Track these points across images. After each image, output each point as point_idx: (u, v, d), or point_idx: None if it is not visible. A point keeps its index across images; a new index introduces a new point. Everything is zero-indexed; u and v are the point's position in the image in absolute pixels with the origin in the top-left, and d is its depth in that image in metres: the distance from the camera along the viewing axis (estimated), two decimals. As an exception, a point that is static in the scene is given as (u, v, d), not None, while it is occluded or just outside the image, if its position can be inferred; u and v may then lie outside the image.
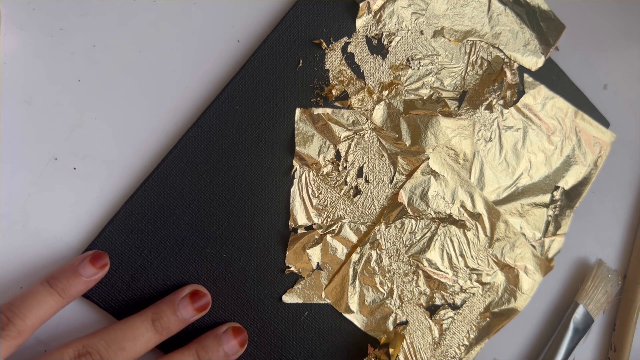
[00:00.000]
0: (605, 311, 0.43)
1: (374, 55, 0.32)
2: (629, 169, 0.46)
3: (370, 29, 0.32)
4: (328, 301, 0.30)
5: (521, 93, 0.38)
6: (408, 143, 0.33)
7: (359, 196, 0.31)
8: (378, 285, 0.32)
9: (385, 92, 0.32)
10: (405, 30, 0.33)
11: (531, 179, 0.38)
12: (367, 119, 0.32)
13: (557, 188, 0.39)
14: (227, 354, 0.26)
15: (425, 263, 0.33)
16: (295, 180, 0.30)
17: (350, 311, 0.31)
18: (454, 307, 0.34)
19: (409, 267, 0.33)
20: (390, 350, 0.31)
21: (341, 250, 0.31)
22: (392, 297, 0.32)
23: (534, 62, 0.38)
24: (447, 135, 0.34)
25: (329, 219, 0.31)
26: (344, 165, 0.31)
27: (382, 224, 0.32)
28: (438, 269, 0.34)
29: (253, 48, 0.29)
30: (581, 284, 0.42)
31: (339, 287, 0.31)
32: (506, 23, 0.37)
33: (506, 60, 0.37)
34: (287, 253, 0.29)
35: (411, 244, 0.33)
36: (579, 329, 0.40)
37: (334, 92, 0.31)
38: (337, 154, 0.31)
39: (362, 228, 0.32)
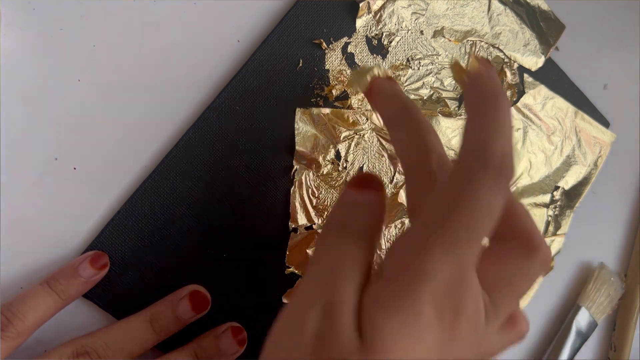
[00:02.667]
0: (608, 314, 0.43)
1: (374, 55, 0.32)
2: (629, 169, 0.46)
3: (370, 29, 0.32)
4: (328, 301, 0.30)
5: (521, 93, 0.38)
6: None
7: (359, 196, 0.31)
8: (378, 286, 0.32)
9: (385, 92, 0.32)
10: (405, 30, 0.33)
11: (531, 179, 0.38)
12: (367, 119, 0.32)
13: (557, 188, 0.39)
14: (226, 354, 0.26)
15: (425, 263, 0.33)
16: (295, 180, 0.30)
17: (350, 311, 0.31)
18: (454, 307, 0.34)
19: (409, 267, 0.33)
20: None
21: (341, 251, 0.31)
22: (392, 297, 0.32)
23: (534, 62, 0.38)
24: (447, 135, 0.34)
25: (329, 219, 0.31)
26: (344, 165, 0.31)
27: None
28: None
29: (253, 48, 0.29)
30: (583, 286, 0.42)
31: (339, 287, 0.31)
32: (506, 23, 0.37)
33: (506, 60, 0.37)
34: (287, 253, 0.29)
35: (411, 244, 0.33)
36: (582, 332, 0.40)
37: (334, 92, 0.31)
38: (337, 154, 0.31)
39: (362, 228, 0.31)
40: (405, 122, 0.21)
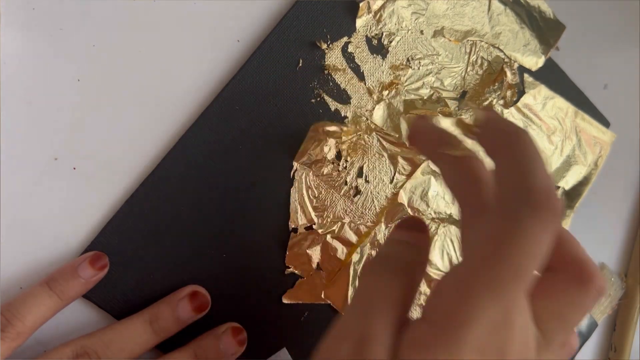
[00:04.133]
0: (608, 315, 0.43)
1: (374, 55, 0.32)
2: (629, 169, 0.46)
3: (370, 28, 0.32)
4: (328, 301, 0.30)
5: (521, 93, 0.38)
6: (408, 143, 0.33)
7: (359, 196, 0.31)
8: (378, 286, 0.32)
9: (386, 92, 0.32)
10: (405, 30, 0.33)
11: (531, 179, 0.38)
12: (367, 119, 0.32)
13: (557, 188, 0.39)
14: (226, 354, 0.26)
15: (426, 263, 0.33)
16: (295, 180, 0.30)
17: (350, 311, 0.31)
18: (454, 307, 0.34)
19: (409, 267, 0.33)
20: None
21: (341, 250, 0.31)
22: (392, 298, 0.32)
23: (534, 62, 0.38)
24: (447, 135, 0.34)
25: (329, 219, 0.31)
26: (344, 165, 0.31)
27: (382, 223, 0.32)
28: (438, 269, 0.33)
29: (253, 48, 0.29)
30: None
31: (339, 287, 0.31)
32: (506, 23, 0.37)
33: (506, 60, 0.36)
34: (287, 253, 0.29)
35: (411, 244, 0.33)
36: (582, 333, 0.40)
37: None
38: (338, 154, 0.31)
39: (362, 228, 0.31)
40: (446, 155, 0.20)
